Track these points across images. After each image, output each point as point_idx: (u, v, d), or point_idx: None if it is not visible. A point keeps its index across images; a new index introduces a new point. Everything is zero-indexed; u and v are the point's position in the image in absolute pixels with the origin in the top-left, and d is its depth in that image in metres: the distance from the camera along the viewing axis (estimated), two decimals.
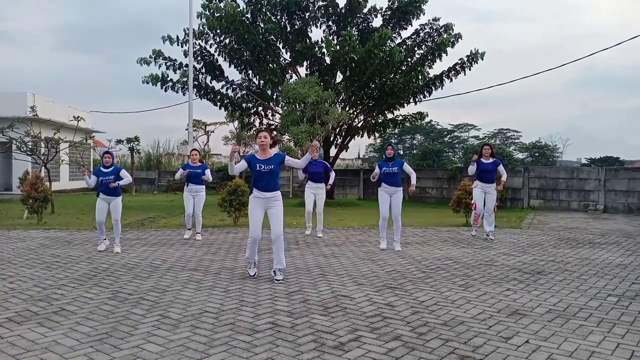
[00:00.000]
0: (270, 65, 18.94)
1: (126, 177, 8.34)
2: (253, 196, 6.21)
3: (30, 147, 15.82)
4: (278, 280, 6.10)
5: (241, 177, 14.62)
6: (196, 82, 18.93)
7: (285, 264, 6.40)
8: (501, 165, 9.98)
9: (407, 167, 8.72)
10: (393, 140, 59.37)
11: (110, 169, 8.25)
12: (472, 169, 9.82)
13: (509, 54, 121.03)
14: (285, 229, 11.01)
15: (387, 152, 8.71)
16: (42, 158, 15.51)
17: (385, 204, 8.59)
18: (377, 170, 8.68)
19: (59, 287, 5.78)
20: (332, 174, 10.50)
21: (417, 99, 19.71)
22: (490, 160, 9.82)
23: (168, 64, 18.86)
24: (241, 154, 29.24)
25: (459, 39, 18.77)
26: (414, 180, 8.72)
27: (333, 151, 20.63)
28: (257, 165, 6.12)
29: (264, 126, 21.05)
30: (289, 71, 20.06)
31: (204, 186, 9.86)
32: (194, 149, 10.38)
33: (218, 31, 18.18)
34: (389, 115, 20.78)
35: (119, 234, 8.43)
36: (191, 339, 4.09)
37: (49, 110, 22.30)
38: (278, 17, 18.91)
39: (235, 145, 6.27)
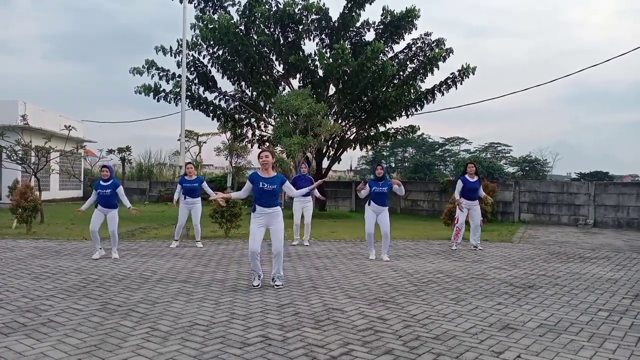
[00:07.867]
0: (263, 77, 18.99)
1: (122, 198, 8.74)
2: (256, 213, 6.41)
3: (20, 155, 15.71)
4: (277, 285, 6.46)
5: (232, 189, 14.57)
6: (189, 93, 18.90)
7: (283, 273, 6.79)
8: (481, 185, 10.44)
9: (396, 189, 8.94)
10: (385, 153, 59.57)
11: (109, 182, 8.43)
12: (458, 191, 10.26)
13: (499, 68, 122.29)
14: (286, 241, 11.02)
15: (377, 171, 8.87)
16: (32, 167, 15.41)
17: (372, 222, 8.86)
18: (367, 188, 8.74)
19: (47, 298, 5.72)
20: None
21: (409, 113, 19.84)
22: (475, 178, 10.28)
23: (161, 74, 18.87)
24: (233, 165, 29.21)
25: (451, 54, 18.99)
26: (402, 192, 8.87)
27: (325, 163, 20.69)
28: (260, 183, 6.37)
29: (257, 137, 21.08)
30: (282, 83, 20.14)
31: (199, 198, 10.11)
32: (189, 162, 10.46)
33: (211, 42, 18.22)
34: (381, 128, 20.85)
35: (116, 243, 8.73)
36: (181, 352, 4.05)
37: (40, 119, 22.17)
38: (271, 30, 18.99)
39: None
